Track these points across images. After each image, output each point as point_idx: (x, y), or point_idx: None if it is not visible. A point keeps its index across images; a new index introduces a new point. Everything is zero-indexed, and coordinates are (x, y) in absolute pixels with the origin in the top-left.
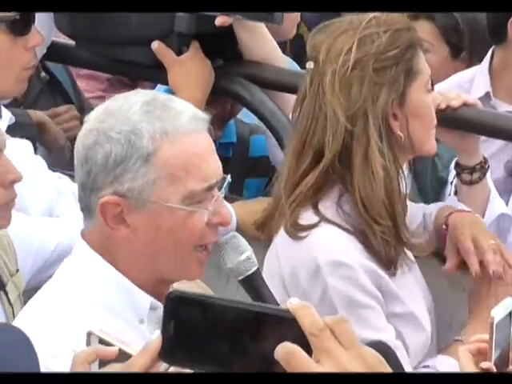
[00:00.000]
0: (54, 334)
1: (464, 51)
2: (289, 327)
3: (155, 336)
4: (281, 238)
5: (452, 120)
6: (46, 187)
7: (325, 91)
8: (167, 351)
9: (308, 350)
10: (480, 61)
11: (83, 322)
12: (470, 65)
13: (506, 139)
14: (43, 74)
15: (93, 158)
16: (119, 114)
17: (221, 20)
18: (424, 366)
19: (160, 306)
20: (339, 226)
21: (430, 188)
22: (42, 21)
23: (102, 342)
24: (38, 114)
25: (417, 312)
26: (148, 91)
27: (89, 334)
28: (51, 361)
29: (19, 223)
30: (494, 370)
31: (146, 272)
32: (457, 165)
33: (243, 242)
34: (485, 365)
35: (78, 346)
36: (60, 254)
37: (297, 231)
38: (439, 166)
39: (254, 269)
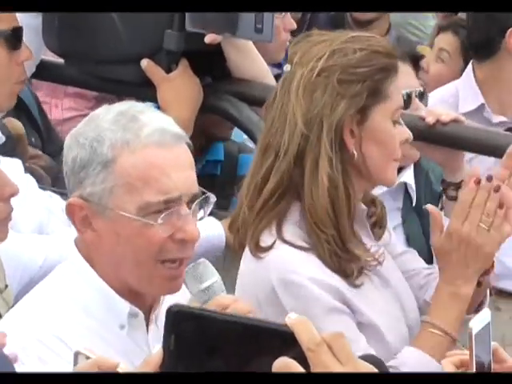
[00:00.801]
0: (28, 329)
1: None
2: (287, 342)
3: (156, 350)
4: (245, 255)
5: (438, 136)
6: (37, 205)
7: (290, 93)
8: (168, 365)
9: (306, 364)
10: None
11: (61, 322)
12: None
13: (493, 155)
14: None
15: (67, 161)
16: (93, 122)
17: (210, 38)
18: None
19: (140, 314)
20: (295, 245)
21: (423, 202)
22: (31, 39)
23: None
24: (16, 125)
25: (380, 324)
26: (132, 103)
27: (76, 354)
28: (21, 353)
29: (8, 240)
30: None
31: (117, 279)
32: (442, 181)
33: (209, 269)
34: None
35: (51, 342)
36: (47, 271)
37: (257, 251)
38: (433, 180)
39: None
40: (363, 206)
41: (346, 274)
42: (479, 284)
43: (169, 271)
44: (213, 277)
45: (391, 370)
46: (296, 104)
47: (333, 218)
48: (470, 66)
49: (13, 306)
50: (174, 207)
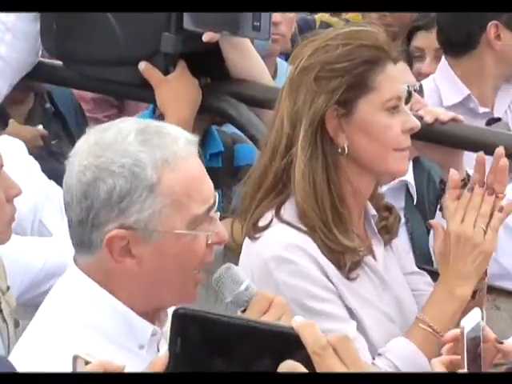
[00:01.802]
0: (44, 359)
1: None
2: (293, 345)
3: (162, 352)
4: (244, 242)
5: (437, 135)
6: (35, 187)
7: (281, 93)
8: (174, 367)
9: (311, 367)
10: None
11: (79, 348)
12: None
13: (492, 155)
14: (48, 104)
15: (94, 194)
16: (116, 147)
17: (208, 36)
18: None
19: (158, 332)
20: (292, 225)
21: (427, 202)
22: (25, 43)
23: (87, 364)
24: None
25: (366, 319)
26: (133, 119)
27: (75, 358)
28: None
29: (8, 242)
30: None
31: (147, 301)
32: (441, 181)
33: (239, 271)
34: None
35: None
36: (48, 273)
37: (254, 232)
38: (436, 179)
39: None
40: (373, 211)
41: (339, 266)
42: (473, 294)
43: (198, 278)
44: (246, 276)
45: (376, 358)
46: (283, 103)
47: (317, 211)
48: (443, 61)
49: (14, 308)
50: (211, 214)
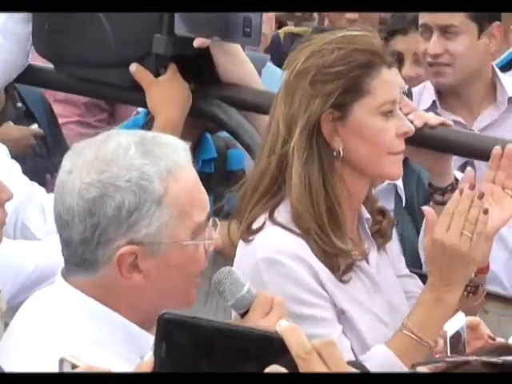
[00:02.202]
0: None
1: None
2: (277, 349)
3: (147, 357)
4: (239, 243)
5: (426, 140)
6: (17, 189)
7: (277, 97)
8: (159, 371)
9: (296, 372)
10: None
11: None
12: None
13: (480, 159)
14: (19, 104)
15: (101, 211)
16: (119, 161)
17: (199, 42)
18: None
19: None
20: (285, 227)
21: (417, 204)
22: (15, 45)
23: (74, 368)
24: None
25: (358, 319)
26: (125, 131)
27: (61, 361)
28: None
29: None
30: None
31: (148, 312)
32: (429, 185)
33: (240, 275)
34: None
35: None
36: (39, 275)
37: (248, 235)
38: (424, 181)
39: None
40: (367, 215)
41: (332, 269)
42: (476, 289)
43: (197, 283)
44: (246, 279)
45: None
46: (278, 107)
47: (312, 214)
48: None
49: (5, 311)
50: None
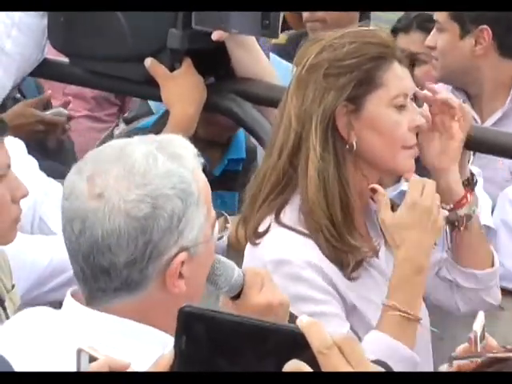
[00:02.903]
0: None
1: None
2: (298, 344)
3: (167, 350)
4: (247, 246)
5: None
6: (34, 185)
7: (287, 92)
8: (179, 365)
9: (316, 367)
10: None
11: None
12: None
13: (498, 155)
14: (18, 94)
15: (154, 226)
16: (155, 171)
17: (217, 35)
18: None
19: None
20: (292, 228)
21: None
22: (31, 38)
23: (92, 359)
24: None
25: (370, 320)
26: (135, 140)
27: (79, 352)
28: None
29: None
30: None
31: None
32: None
33: (226, 260)
34: None
35: None
36: (54, 270)
37: (255, 238)
38: None
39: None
40: (375, 206)
41: (341, 265)
42: (461, 221)
43: None
44: (232, 262)
45: None
46: (290, 102)
47: (325, 209)
48: None
49: (19, 306)
50: None
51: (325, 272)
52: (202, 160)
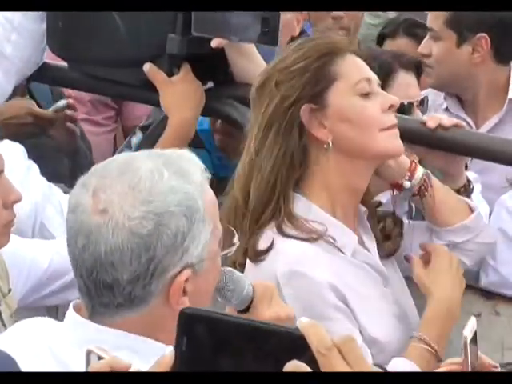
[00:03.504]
0: None
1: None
2: (298, 345)
3: (168, 351)
4: (247, 265)
5: (439, 141)
6: (34, 190)
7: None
8: (180, 366)
9: (316, 368)
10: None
11: None
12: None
13: (493, 161)
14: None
15: (157, 243)
16: (160, 187)
17: (216, 42)
18: None
19: None
20: (297, 237)
21: None
22: (29, 43)
23: (101, 359)
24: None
25: (377, 332)
26: (140, 153)
27: (88, 353)
28: None
29: (11, 243)
30: None
31: None
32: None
33: (237, 272)
34: None
35: None
36: (52, 275)
37: (257, 256)
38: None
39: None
40: (363, 208)
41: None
42: (419, 190)
43: None
44: (242, 275)
45: None
46: (254, 125)
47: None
48: None
49: (16, 310)
50: None
51: (334, 285)
52: (209, 175)
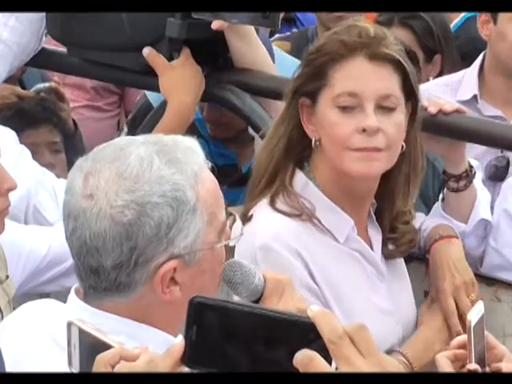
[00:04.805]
0: None
1: (436, 54)
2: (309, 334)
3: (178, 340)
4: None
5: (440, 126)
6: (26, 175)
7: None
8: (189, 355)
9: (327, 356)
10: (453, 63)
11: None
12: (442, 67)
13: (494, 146)
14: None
15: (139, 232)
16: (147, 176)
17: (217, 24)
18: None
19: None
20: (285, 213)
21: (432, 192)
22: (28, 27)
23: (81, 332)
24: None
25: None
26: (136, 138)
27: (69, 325)
28: None
29: (9, 230)
30: (480, 370)
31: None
32: (444, 172)
33: (246, 263)
34: (472, 366)
35: None
36: (50, 261)
37: (244, 222)
38: (439, 170)
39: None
40: (372, 200)
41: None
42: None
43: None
44: (253, 266)
45: None
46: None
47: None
48: (482, 54)
49: (14, 297)
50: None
51: (309, 264)
52: (211, 164)
